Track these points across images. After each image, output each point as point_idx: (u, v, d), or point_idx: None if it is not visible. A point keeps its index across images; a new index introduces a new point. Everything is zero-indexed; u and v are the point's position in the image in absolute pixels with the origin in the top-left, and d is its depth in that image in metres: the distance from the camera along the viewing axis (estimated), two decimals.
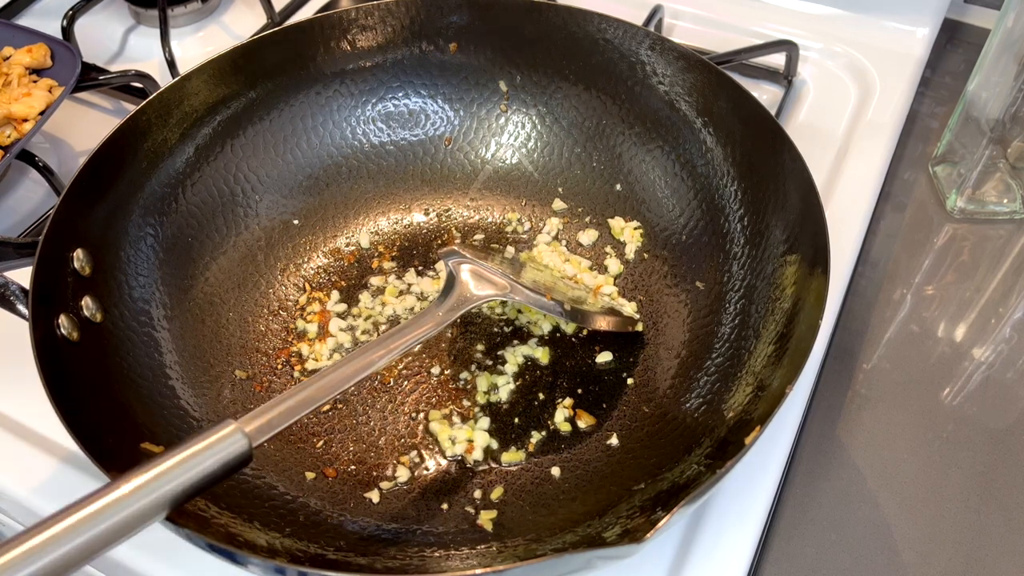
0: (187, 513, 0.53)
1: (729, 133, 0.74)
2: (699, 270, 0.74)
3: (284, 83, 0.80)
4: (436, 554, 0.59)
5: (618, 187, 0.81)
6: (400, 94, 0.85)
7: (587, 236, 0.80)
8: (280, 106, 0.81)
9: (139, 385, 0.65)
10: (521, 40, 0.83)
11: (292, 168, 0.81)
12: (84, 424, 0.54)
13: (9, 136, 0.84)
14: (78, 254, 0.65)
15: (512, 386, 0.70)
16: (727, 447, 0.58)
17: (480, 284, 0.68)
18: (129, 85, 0.95)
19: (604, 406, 0.69)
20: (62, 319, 0.61)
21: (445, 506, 0.63)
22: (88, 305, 0.64)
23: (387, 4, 0.81)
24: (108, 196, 0.70)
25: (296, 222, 0.80)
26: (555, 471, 0.65)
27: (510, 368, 0.71)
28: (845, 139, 0.89)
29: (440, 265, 0.79)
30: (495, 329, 0.74)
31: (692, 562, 0.61)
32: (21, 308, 0.60)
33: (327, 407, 0.69)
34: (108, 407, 0.61)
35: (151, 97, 0.72)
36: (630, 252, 0.78)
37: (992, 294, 0.79)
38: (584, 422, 0.68)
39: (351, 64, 0.83)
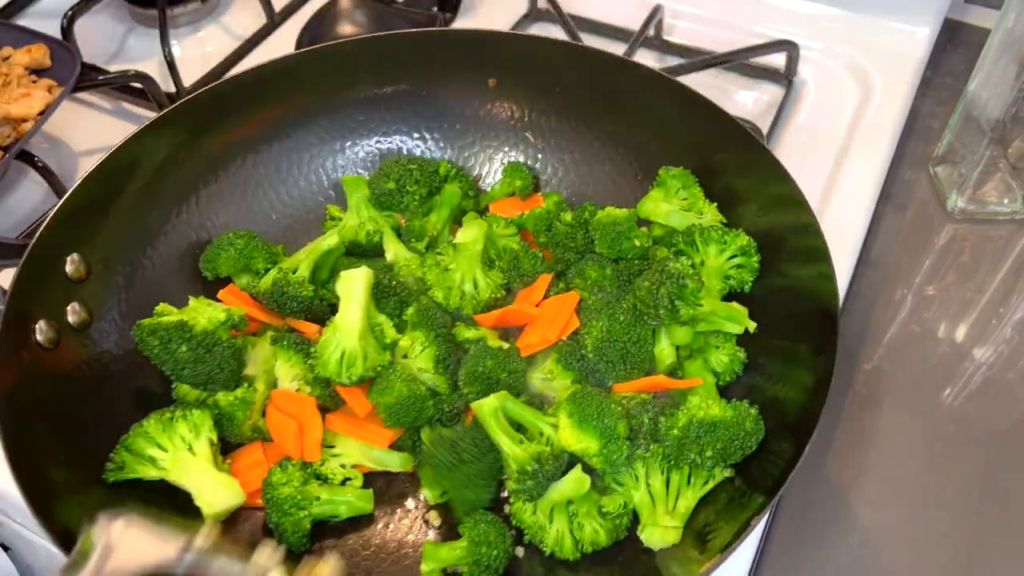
0: None
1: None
2: None
3: (270, 122, 0.79)
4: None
5: None
6: (378, 135, 0.83)
7: None
8: (260, 148, 0.79)
9: (110, 398, 0.64)
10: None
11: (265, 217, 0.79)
12: (30, 453, 0.54)
13: (8, 136, 0.84)
14: (73, 258, 0.65)
15: None
16: None
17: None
18: (129, 85, 0.95)
19: None
20: (41, 324, 0.60)
21: None
22: (75, 311, 0.64)
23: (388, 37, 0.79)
24: (110, 209, 0.69)
25: None
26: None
27: None
28: (846, 139, 0.89)
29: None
30: None
31: None
32: None
33: None
34: (64, 428, 0.59)
35: (154, 116, 0.72)
36: None
37: (993, 294, 0.79)
38: None
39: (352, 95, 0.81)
